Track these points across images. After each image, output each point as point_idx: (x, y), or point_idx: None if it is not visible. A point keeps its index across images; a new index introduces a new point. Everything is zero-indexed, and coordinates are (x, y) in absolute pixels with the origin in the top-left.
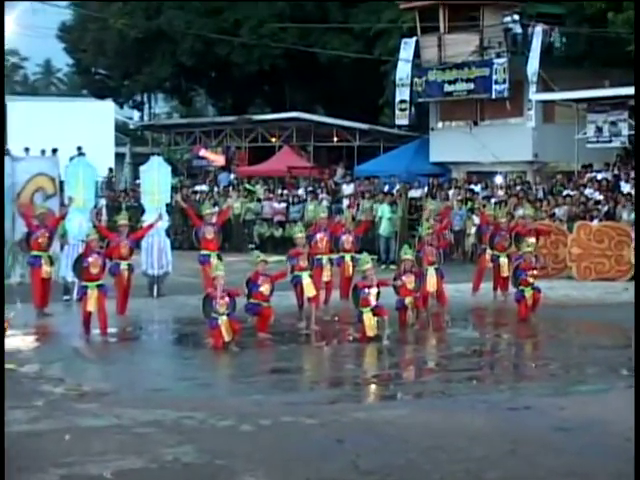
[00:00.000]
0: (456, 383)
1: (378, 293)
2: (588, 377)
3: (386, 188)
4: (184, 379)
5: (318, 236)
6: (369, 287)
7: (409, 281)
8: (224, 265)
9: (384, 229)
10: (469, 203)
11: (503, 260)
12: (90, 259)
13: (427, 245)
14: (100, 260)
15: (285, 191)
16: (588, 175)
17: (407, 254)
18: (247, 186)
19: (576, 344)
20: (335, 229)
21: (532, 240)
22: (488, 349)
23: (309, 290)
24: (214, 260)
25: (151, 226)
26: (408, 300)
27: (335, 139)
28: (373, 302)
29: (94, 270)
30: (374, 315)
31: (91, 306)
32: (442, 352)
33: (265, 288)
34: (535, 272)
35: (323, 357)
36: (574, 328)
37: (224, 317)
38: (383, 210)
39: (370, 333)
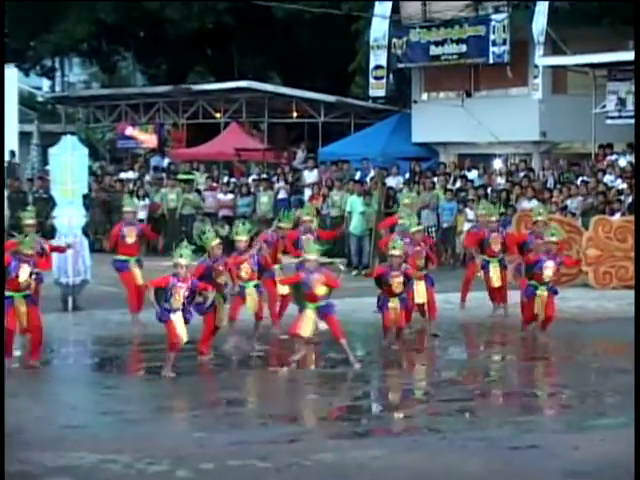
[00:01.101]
0: (445, 416)
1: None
2: (607, 409)
3: (358, 175)
4: (106, 413)
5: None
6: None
7: (397, 282)
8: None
9: (355, 226)
10: (459, 194)
11: (494, 267)
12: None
13: (412, 244)
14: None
15: (232, 179)
16: (608, 158)
17: (396, 248)
18: (181, 176)
19: (593, 367)
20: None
21: (555, 226)
22: (485, 374)
23: (252, 304)
24: (134, 267)
25: (59, 249)
26: (392, 304)
27: (294, 114)
28: (318, 292)
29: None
30: (320, 318)
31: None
32: (428, 378)
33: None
34: (554, 267)
35: (279, 385)
36: (591, 348)
37: (177, 313)
38: (354, 203)
39: (304, 332)
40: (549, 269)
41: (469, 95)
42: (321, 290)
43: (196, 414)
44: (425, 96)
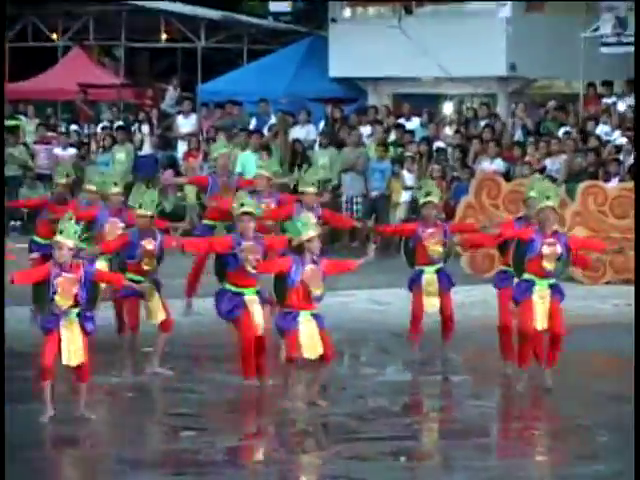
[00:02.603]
0: (371, 462)
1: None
2: (597, 450)
3: (253, 123)
4: None
5: None
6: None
7: (433, 242)
8: None
9: None
10: (395, 150)
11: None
12: None
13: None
14: None
15: (76, 127)
16: (604, 101)
17: (431, 194)
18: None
19: (578, 393)
20: None
21: (551, 187)
22: (428, 401)
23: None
24: None
25: None
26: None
27: (163, 37)
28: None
29: None
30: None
31: None
32: (351, 407)
33: None
34: (556, 248)
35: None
36: (575, 366)
37: (71, 317)
38: (246, 162)
39: (305, 353)
40: (552, 253)
41: (409, 12)
42: (319, 289)
43: None
44: (348, 12)
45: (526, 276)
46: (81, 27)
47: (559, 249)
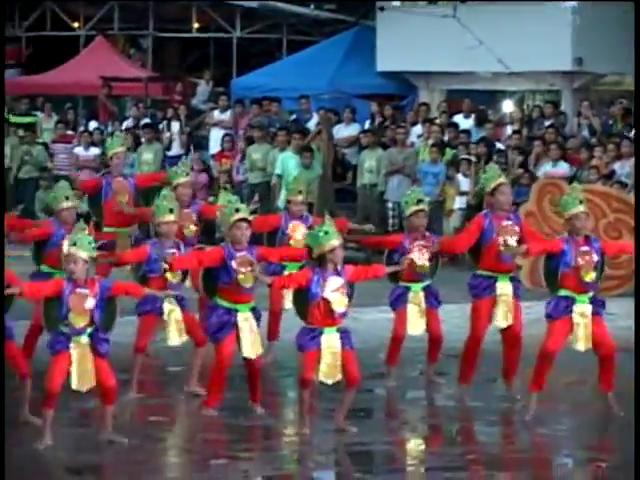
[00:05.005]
0: None
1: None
2: None
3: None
4: None
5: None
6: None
7: (419, 257)
8: None
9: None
10: (450, 152)
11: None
12: None
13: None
14: None
15: (97, 125)
16: None
17: (415, 200)
18: (17, 118)
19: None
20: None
21: (576, 188)
22: (482, 428)
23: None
24: None
25: None
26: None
27: (195, 26)
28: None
29: None
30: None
31: None
32: (396, 435)
33: None
34: (592, 257)
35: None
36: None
37: (81, 338)
38: (286, 163)
39: (322, 376)
40: (589, 262)
41: (464, 1)
42: (342, 302)
43: None
44: (398, 2)
45: (563, 293)
46: (105, 15)
47: (595, 257)
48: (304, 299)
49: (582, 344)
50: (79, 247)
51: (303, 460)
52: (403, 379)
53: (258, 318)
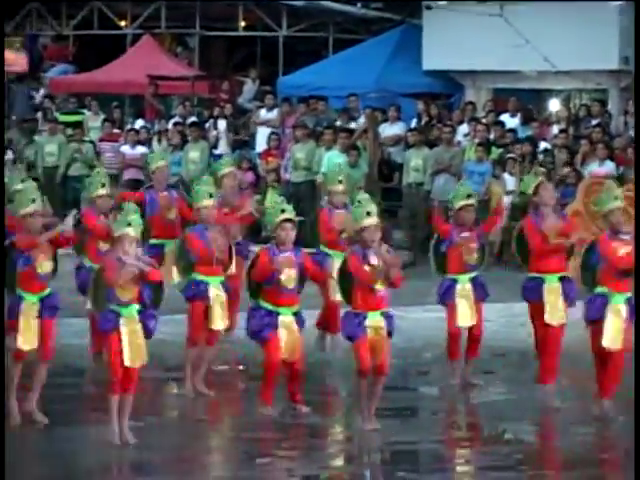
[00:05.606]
0: None
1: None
2: None
3: (339, 120)
4: None
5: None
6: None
7: (468, 248)
8: None
9: None
10: (496, 151)
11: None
12: None
13: (457, 227)
14: None
15: (143, 123)
16: None
17: (465, 194)
18: (64, 117)
19: None
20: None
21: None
22: (529, 428)
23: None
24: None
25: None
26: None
27: (242, 24)
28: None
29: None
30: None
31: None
32: (444, 434)
33: None
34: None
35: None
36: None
37: (131, 312)
38: (332, 162)
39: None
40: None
41: None
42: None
43: None
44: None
45: (599, 290)
46: (152, 13)
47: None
48: (349, 280)
49: (613, 342)
50: (134, 227)
51: (349, 459)
52: (448, 378)
53: (302, 323)
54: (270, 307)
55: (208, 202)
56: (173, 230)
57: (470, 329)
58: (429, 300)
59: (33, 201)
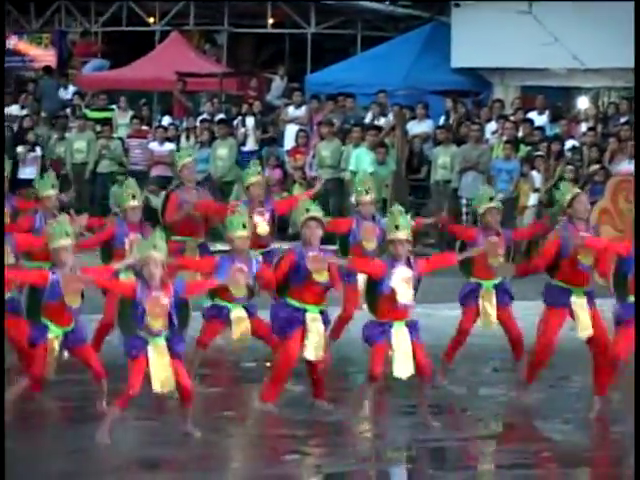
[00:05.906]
0: None
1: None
2: None
3: (368, 117)
4: None
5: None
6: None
7: (493, 252)
8: None
9: None
10: (524, 148)
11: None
12: None
13: (483, 230)
14: None
15: (171, 120)
16: None
17: (487, 197)
18: (93, 113)
19: None
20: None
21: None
22: (556, 426)
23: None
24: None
25: None
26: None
27: (270, 21)
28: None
29: None
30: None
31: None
32: (471, 432)
33: None
34: None
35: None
36: None
37: (158, 340)
38: (360, 159)
39: (395, 371)
40: None
41: None
42: (407, 295)
43: None
44: None
45: (632, 299)
46: (180, 10)
47: None
48: (375, 291)
49: None
50: (159, 250)
51: (376, 456)
52: (476, 375)
53: (326, 322)
54: (297, 304)
55: (242, 233)
56: (195, 227)
57: (509, 334)
58: (456, 298)
59: (134, 197)
